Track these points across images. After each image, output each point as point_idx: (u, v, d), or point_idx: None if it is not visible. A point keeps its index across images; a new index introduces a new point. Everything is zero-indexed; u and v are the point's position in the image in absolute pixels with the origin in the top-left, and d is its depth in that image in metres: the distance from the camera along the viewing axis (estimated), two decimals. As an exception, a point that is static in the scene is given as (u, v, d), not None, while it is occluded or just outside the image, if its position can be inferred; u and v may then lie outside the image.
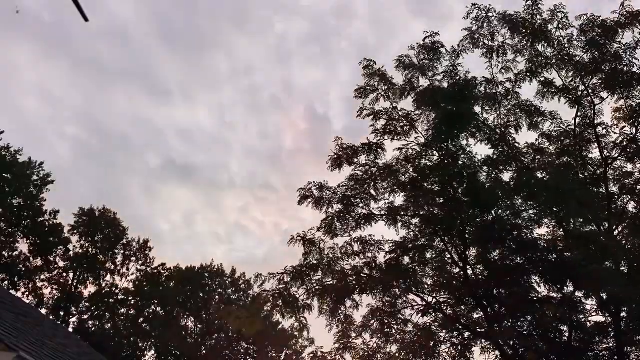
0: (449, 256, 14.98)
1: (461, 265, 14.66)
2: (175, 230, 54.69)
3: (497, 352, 14.12)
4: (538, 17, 14.45)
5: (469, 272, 14.67)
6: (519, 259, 14.15)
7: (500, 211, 14.08)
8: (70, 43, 40.04)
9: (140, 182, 53.19)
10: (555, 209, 13.45)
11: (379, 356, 14.90)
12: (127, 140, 50.23)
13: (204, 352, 44.12)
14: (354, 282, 14.74)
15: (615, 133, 14.78)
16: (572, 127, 15.04)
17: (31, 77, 41.14)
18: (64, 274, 40.07)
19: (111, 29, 39.04)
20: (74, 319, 40.22)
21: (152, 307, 43.46)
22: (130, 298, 42.27)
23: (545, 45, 14.58)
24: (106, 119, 46.58)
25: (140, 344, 42.32)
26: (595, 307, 14.09)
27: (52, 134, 45.27)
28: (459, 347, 14.67)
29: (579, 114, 14.97)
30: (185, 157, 52.61)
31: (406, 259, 14.84)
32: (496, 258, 14.45)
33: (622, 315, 13.39)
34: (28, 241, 37.21)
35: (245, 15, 39.92)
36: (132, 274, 42.56)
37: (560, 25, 14.46)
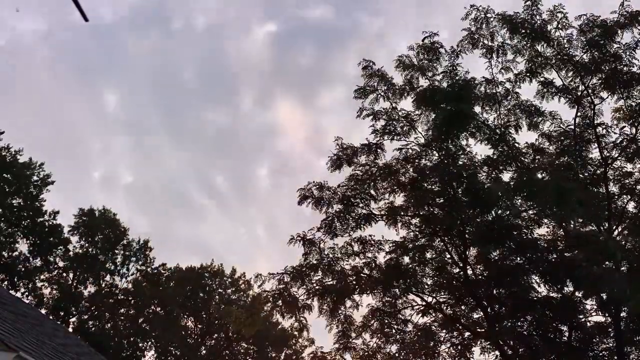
0: (449, 256, 14.99)
1: (461, 265, 14.67)
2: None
3: (497, 352, 14.14)
4: (537, 17, 14.43)
5: (469, 272, 14.69)
6: (519, 259, 14.15)
7: (500, 211, 14.08)
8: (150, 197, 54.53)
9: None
10: (555, 209, 13.45)
11: (379, 356, 14.93)
12: (177, 246, 61.84)
13: (204, 352, 44.12)
14: (354, 282, 14.76)
15: (615, 133, 14.76)
16: (572, 127, 15.03)
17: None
18: (64, 274, 40.07)
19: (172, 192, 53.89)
20: (74, 319, 40.21)
21: (152, 307, 43.44)
22: (130, 298, 42.26)
23: (545, 45, 14.56)
24: (166, 234, 58.98)
25: (140, 344, 42.31)
26: (595, 307, 14.12)
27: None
28: (459, 347, 14.70)
29: (579, 114, 14.96)
30: (221, 257, 63.70)
31: (406, 259, 14.86)
32: (496, 258, 14.46)
33: (622, 315, 13.40)
34: (28, 241, 37.19)
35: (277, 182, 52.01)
36: (132, 274, 42.57)
37: (559, 26, 14.43)
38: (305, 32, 40.42)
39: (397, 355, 14.91)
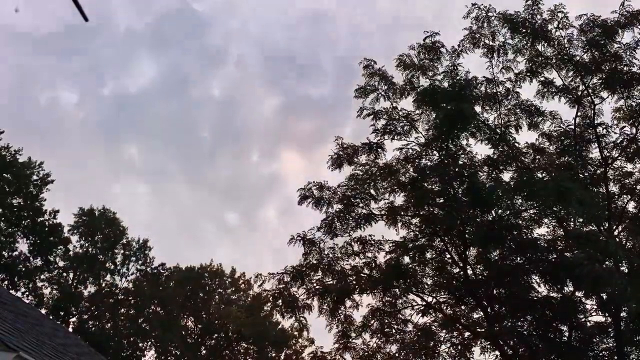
0: (449, 256, 14.99)
1: (461, 265, 14.67)
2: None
3: (497, 352, 14.14)
4: (538, 17, 14.42)
5: (469, 272, 14.68)
6: (519, 259, 14.15)
7: (500, 211, 14.08)
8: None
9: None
10: (555, 209, 13.45)
11: (379, 356, 14.93)
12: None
13: (204, 352, 44.10)
14: (354, 282, 14.76)
15: (615, 133, 14.78)
16: (572, 127, 15.03)
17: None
18: (64, 274, 40.04)
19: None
20: (74, 319, 40.19)
21: (152, 307, 43.41)
22: (130, 298, 42.23)
23: (545, 45, 14.56)
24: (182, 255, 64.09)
25: (140, 344, 42.28)
26: (595, 307, 14.11)
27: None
28: (459, 347, 14.70)
29: (579, 113, 14.96)
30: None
31: (406, 259, 14.86)
32: (496, 258, 14.45)
33: (622, 315, 13.40)
34: (28, 241, 37.16)
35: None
36: (132, 274, 42.53)
37: (560, 25, 14.43)
38: (307, 105, 48.67)
39: (397, 355, 14.91)
